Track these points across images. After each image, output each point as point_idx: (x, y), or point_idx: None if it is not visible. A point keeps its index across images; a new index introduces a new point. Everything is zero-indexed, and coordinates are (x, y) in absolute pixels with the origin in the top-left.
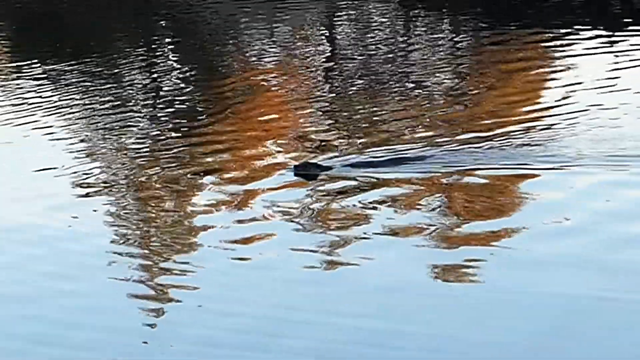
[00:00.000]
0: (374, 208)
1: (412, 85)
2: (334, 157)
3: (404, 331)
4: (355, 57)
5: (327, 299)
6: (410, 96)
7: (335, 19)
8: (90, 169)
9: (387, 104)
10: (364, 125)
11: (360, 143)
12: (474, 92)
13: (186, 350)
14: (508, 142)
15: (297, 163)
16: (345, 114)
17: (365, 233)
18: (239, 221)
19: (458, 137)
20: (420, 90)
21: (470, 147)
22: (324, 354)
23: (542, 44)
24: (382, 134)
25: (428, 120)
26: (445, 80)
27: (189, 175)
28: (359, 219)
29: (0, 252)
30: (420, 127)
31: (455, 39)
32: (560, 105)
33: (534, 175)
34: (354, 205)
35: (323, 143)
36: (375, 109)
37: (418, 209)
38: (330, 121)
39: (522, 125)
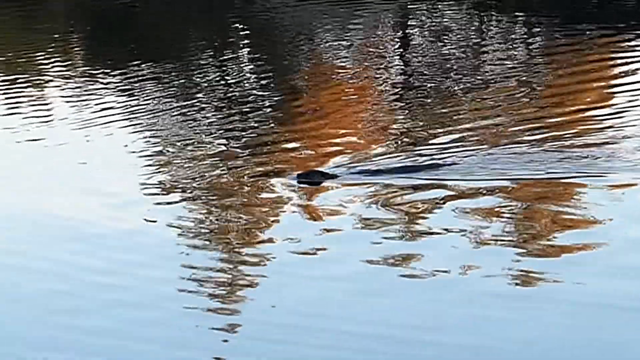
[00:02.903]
0: (452, 218)
1: (484, 87)
2: (340, 165)
3: (482, 345)
4: (428, 59)
5: (400, 312)
6: (482, 99)
7: (408, 21)
8: (162, 172)
9: (454, 107)
10: (422, 128)
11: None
12: (546, 96)
13: None
14: (578, 148)
15: (300, 171)
16: (416, 116)
17: (443, 244)
18: (311, 227)
19: (507, 143)
20: (492, 93)
21: (518, 154)
22: None
23: (618, 47)
24: (436, 136)
25: (491, 124)
26: (518, 84)
27: (259, 177)
28: (435, 230)
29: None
30: (475, 131)
31: (528, 41)
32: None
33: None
34: (430, 215)
35: (390, 144)
36: (442, 111)
37: (490, 218)
38: (401, 123)
39: (593, 130)
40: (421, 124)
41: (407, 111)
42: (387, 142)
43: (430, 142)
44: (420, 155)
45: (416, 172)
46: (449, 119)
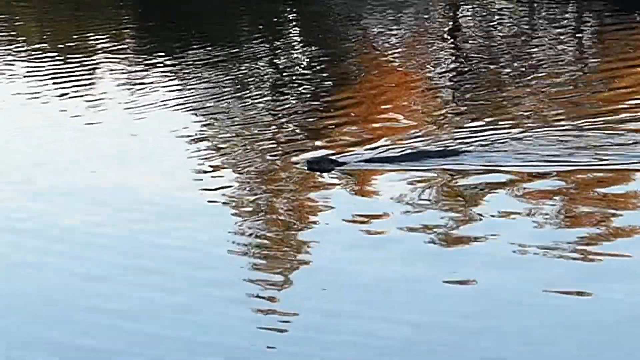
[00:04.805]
0: (505, 215)
1: (533, 74)
2: (350, 152)
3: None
4: (478, 46)
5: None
6: (530, 86)
7: (459, 8)
8: (213, 154)
9: (501, 93)
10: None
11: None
12: (594, 83)
13: None
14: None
15: (310, 158)
16: (461, 100)
17: (491, 246)
18: (360, 214)
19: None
20: (542, 80)
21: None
22: None
23: None
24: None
25: (537, 110)
26: (568, 71)
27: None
28: (485, 228)
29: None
30: (519, 118)
31: (579, 27)
32: None
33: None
34: (480, 211)
35: (424, 131)
36: (490, 97)
37: (536, 212)
38: (449, 106)
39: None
40: (464, 110)
41: (452, 97)
42: (422, 128)
43: (467, 128)
44: (450, 141)
45: (430, 158)
46: (496, 105)
